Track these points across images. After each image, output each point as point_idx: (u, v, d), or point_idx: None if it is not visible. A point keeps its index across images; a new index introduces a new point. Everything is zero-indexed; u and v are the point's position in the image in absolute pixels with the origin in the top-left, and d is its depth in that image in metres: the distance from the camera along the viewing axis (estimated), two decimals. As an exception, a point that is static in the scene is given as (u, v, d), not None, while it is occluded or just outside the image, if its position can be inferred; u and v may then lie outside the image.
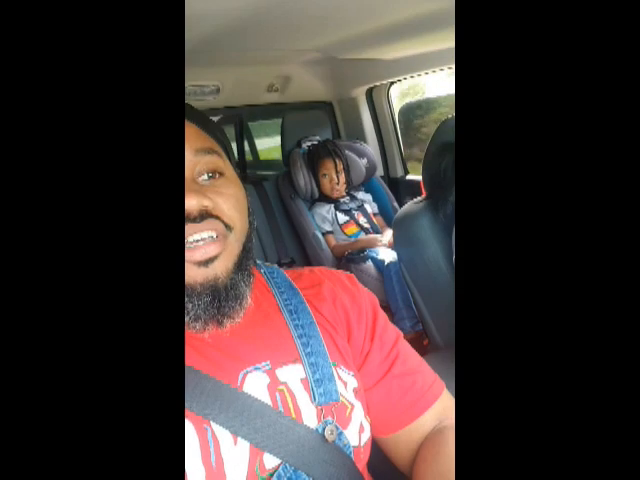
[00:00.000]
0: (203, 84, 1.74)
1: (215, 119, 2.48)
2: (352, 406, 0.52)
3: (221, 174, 0.51)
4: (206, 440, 0.44)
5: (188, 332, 0.50)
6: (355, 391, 0.53)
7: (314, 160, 1.90)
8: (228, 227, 0.49)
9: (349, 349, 0.56)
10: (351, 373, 0.54)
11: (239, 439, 0.45)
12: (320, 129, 2.04)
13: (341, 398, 0.51)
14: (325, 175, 1.89)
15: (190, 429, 0.44)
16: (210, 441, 0.44)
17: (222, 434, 0.45)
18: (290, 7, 1.00)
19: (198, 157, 0.49)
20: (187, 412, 0.45)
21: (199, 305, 0.47)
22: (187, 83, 1.69)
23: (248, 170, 2.83)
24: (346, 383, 0.53)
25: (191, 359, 0.48)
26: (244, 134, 2.99)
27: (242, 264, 0.50)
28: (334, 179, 1.89)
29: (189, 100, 1.76)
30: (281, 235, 1.96)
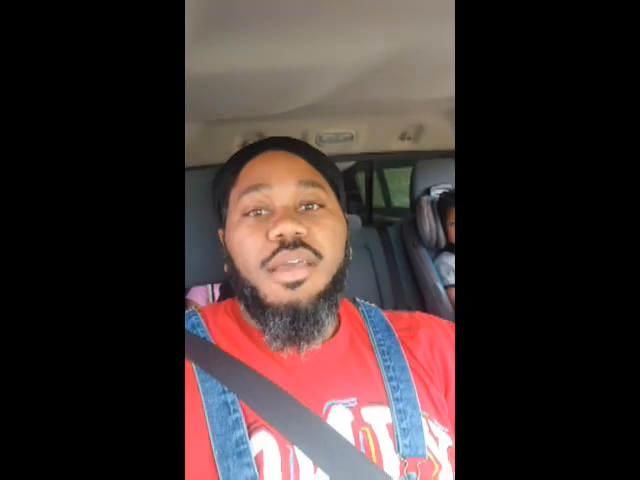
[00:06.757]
0: (338, 132, 1.85)
1: (349, 165, 2.60)
2: (440, 466, 0.47)
3: (321, 205, 0.54)
4: (288, 461, 0.45)
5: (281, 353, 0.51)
6: (450, 451, 0.48)
7: (444, 208, 1.84)
8: (318, 255, 0.50)
9: (445, 403, 0.52)
10: (445, 430, 0.50)
11: (319, 469, 0.44)
12: (452, 178, 1.98)
13: (429, 454, 0.47)
14: (453, 224, 1.81)
15: (274, 446, 0.45)
16: (291, 463, 0.45)
17: (303, 459, 0.45)
18: (425, 56, 1.02)
19: (300, 188, 0.54)
20: (271, 428, 0.46)
21: (279, 324, 0.49)
22: (323, 130, 1.82)
23: (378, 215, 2.88)
24: (438, 439, 0.49)
25: (279, 377, 0.49)
26: (379, 180, 3.04)
27: (328, 293, 0.51)
28: None
29: (324, 147, 1.88)
30: (400, 282, 1.92)
